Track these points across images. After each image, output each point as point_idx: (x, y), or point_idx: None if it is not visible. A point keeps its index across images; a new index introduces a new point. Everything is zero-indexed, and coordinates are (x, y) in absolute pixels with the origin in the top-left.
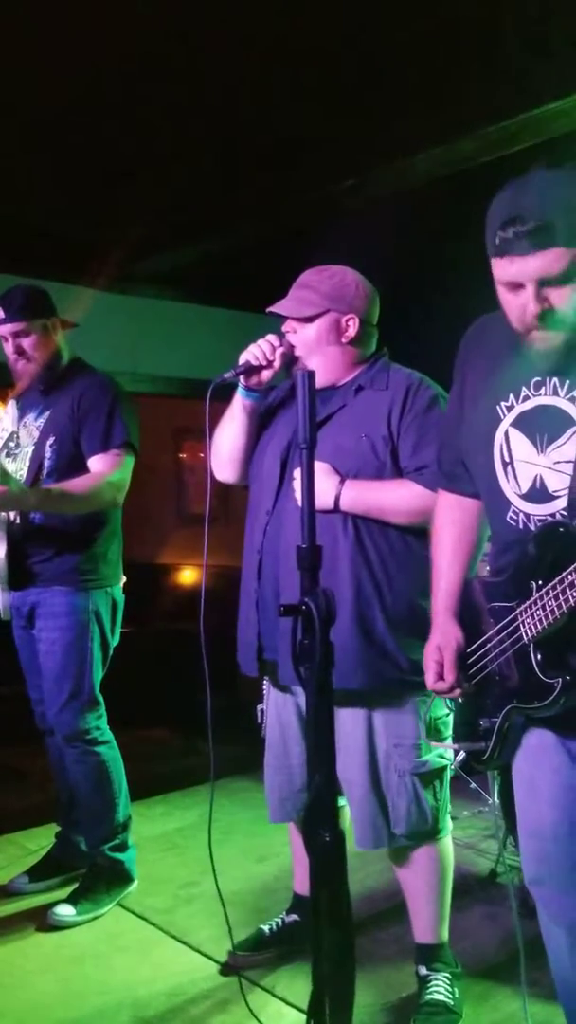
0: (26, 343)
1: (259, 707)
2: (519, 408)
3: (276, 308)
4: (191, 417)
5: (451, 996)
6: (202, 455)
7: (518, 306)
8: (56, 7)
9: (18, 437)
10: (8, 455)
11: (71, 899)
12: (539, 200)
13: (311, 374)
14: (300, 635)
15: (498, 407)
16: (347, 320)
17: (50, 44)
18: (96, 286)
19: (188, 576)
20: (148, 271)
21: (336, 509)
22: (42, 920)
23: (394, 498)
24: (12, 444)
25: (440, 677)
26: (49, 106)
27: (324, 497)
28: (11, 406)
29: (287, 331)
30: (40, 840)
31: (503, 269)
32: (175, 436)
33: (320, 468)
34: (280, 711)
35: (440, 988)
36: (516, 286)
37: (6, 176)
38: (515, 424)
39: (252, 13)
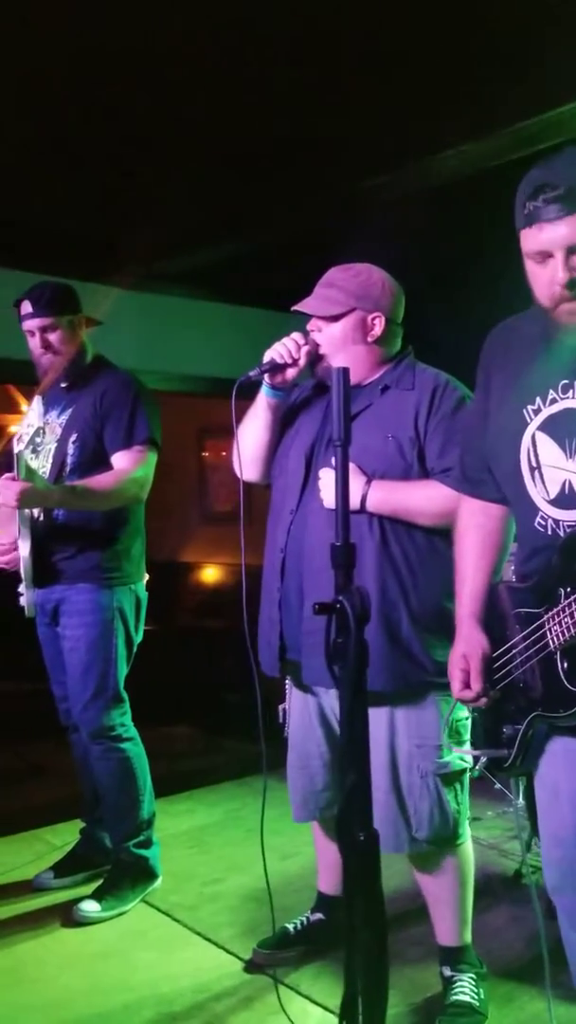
0: (53, 338)
1: (281, 706)
2: (546, 411)
3: (301, 307)
4: (214, 416)
5: (476, 997)
6: (225, 454)
7: (546, 278)
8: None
9: (43, 433)
10: (34, 451)
11: (96, 895)
12: (568, 168)
13: (346, 371)
14: (334, 634)
15: (524, 410)
16: (373, 318)
17: (78, 41)
18: (122, 285)
19: (210, 574)
20: (173, 270)
21: (362, 510)
22: (67, 916)
23: (421, 499)
24: (38, 440)
25: (466, 686)
26: (75, 105)
27: (350, 498)
28: (36, 402)
29: (312, 329)
30: (65, 836)
31: (532, 239)
32: (198, 435)
33: None
34: (302, 711)
35: (465, 989)
36: (545, 255)
37: (33, 176)
38: (542, 428)
39: (278, 9)
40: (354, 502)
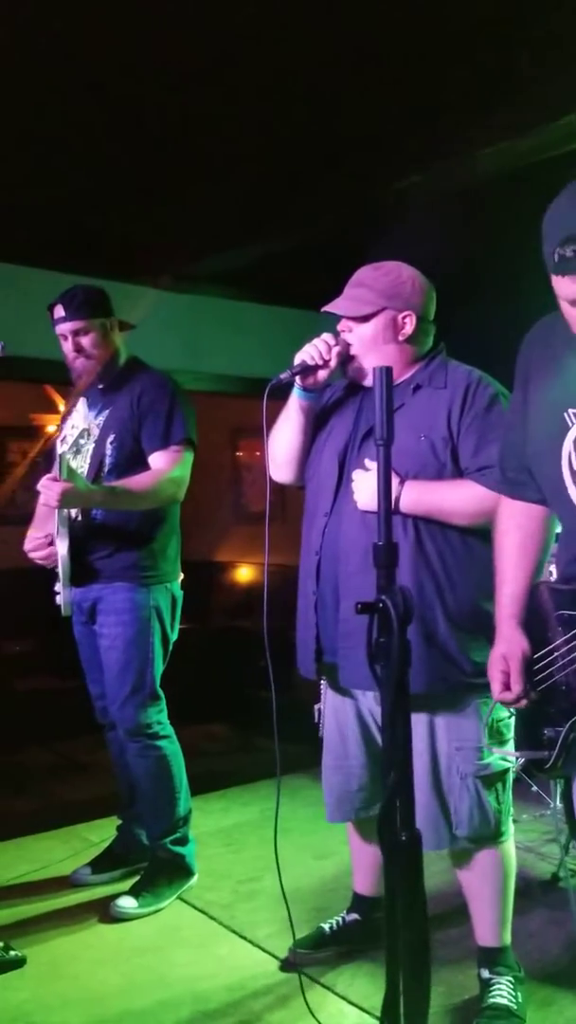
0: (85, 341)
1: (317, 707)
2: None
3: (331, 307)
4: (247, 415)
5: (514, 1000)
6: (258, 453)
7: None
8: (126, 5)
9: (88, 435)
10: (77, 451)
11: (133, 891)
12: None
13: (388, 370)
14: (376, 633)
15: (565, 414)
16: (404, 317)
17: (113, 42)
18: (156, 285)
19: (245, 574)
20: (207, 270)
21: (396, 510)
22: (104, 912)
23: (455, 499)
24: (82, 441)
25: (507, 687)
26: (110, 106)
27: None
28: (82, 403)
29: (342, 330)
30: (102, 832)
31: (566, 287)
32: (231, 435)
33: None
34: (338, 713)
35: (503, 991)
36: None
37: (68, 176)
38: None
39: (313, 8)
40: None
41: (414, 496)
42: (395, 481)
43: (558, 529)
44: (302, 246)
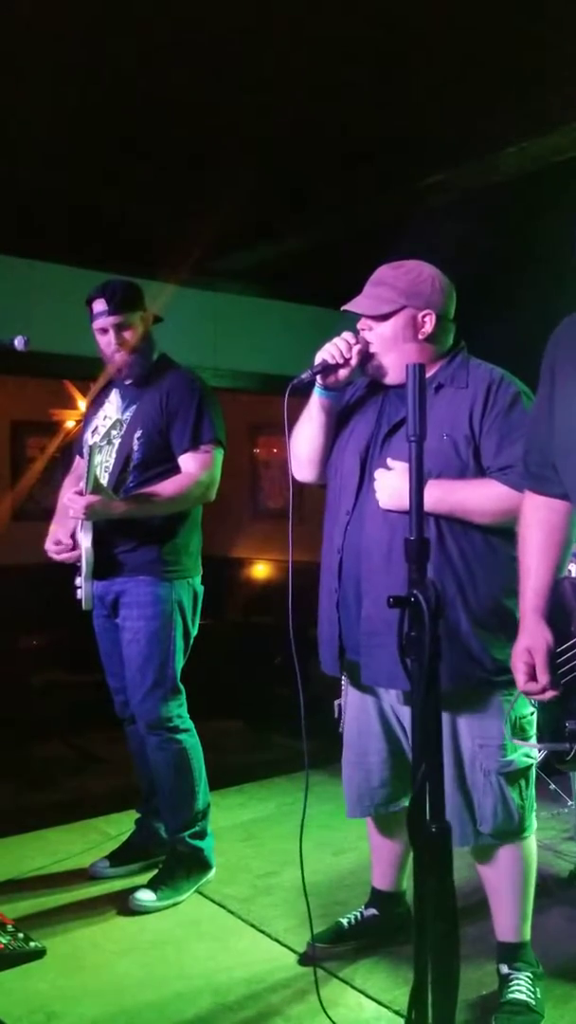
0: (127, 335)
1: (336, 702)
2: None
3: (351, 306)
4: (265, 412)
5: (533, 996)
6: (276, 450)
7: None
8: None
9: (120, 426)
10: (109, 443)
11: (151, 885)
12: None
13: (421, 367)
14: (407, 627)
15: None
16: (424, 316)
17: (142, 40)
18: (179, 281)
19: (261, 570)
20: (230, 267)
21: None
22: (123, 904)
23: (478, 498)
24: (114, 432)
25: (531, 679)
26: (133, 103)
27: (406, 498)
28: (115, 394)
29: (362, 328)
30: (120, 826)
31: None
32: (249, 431)
33: (401, 468)
34: (359, 708)
35: (522, 987)
36: None
37: (91, 173)
38: None
39: (340, 9)
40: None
41: (437, 495)
42: None
43: None
44: (322, 244)
